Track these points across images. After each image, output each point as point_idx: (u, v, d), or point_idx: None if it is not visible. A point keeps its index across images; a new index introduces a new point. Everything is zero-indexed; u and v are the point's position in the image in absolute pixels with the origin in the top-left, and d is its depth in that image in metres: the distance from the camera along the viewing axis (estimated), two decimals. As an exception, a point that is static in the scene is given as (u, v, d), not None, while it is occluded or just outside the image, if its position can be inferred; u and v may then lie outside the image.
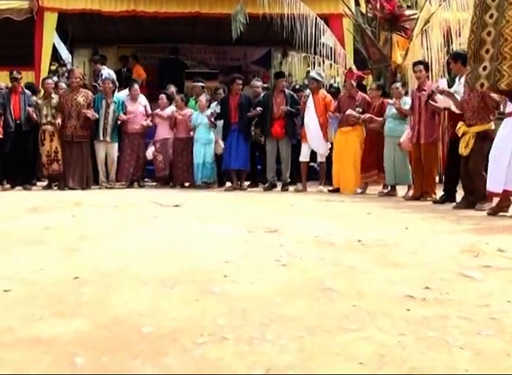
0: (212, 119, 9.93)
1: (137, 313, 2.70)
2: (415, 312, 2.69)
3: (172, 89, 11.21)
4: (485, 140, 6.63)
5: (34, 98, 10.09)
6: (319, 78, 9.69)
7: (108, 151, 10.15)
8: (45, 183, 10.19)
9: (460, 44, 10.55)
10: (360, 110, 9.22)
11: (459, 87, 7.32)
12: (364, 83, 11.13)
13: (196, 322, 2.58)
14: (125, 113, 10.23)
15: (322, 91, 9.77)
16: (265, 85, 12.79)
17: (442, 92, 7.32)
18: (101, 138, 10.03)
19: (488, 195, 6.44)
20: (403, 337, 2.37)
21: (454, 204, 7.08)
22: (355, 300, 2.89)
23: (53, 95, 9.97)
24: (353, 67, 11.68)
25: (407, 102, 8.64)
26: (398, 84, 9.05)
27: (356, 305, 2.81)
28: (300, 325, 2.53)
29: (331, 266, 3.65)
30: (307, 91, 9.77)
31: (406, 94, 8.92)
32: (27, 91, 10.04)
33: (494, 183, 6.20)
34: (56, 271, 3.54)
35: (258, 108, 9.60)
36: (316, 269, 3.58)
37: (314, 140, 9.50)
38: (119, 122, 10.15)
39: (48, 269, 3.57)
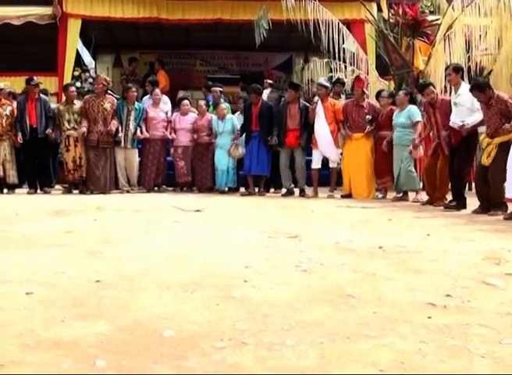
0: (237, 138, 10.01)
1: (158, 317, 2.72)
2: (436, 320, 2.67)
3: (181, 95, 11.23)
4: (506, 150, 6.69)
5: (54, 105, 10.19)
6: (328, 84, 9.71)
7: (127, 156, 10.16)
8: (61, 186, 10.25)
9: (485, 49, 10.53)
10: (370, 117, 9.26)
11: (458, 98, 7.47)
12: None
13: (216, 326, 2.59)
14: (145, 119, 10.31)
15: (331, 99, 9.79)
16: (270, 81, 12.79)
17: (466, 129, 7.38)
18: (122, 145, 10.09)
19: (507, 201, 6.51)
20: (424, 344, 2.36)
21: (473, 209, 7.14)
22: (376, 307, 2.88)
23: (75, 101, 10.03)
24: (375, 73, 11.67)
25: (412, 111, 8.70)
26: (401, 92, 9.09)
27: (376, 311, 2.80)
28: (321, 331, 2.53)
29: (351, 273, 3.64)
30: (316, 98, 9.76)
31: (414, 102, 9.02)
32: (44, 97, 10.08)
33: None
34: (78, 274, 3.57)
35: (273, 139, 9.65)
36: (336, 276, 3.57)
37: (324, 146, 9.50)
38: (138, 132, 10.18)
39: (70, 272, 3.61)
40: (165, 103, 11.07)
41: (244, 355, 2.25)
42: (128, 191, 10.04)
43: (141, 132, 10.18)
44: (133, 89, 10.37)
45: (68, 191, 9.91)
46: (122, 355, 2.24)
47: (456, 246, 4.58)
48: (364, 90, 9.48)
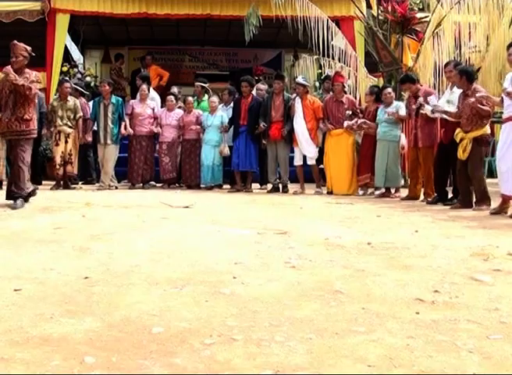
0: (226, 127, 9.99)
1: (147, 313, 2.72)
2: (424, 316, 2.69)
3: (175, 90, 11.24)
4: (481, 144, 7.02)
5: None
6: (305, 83, 9.77)
7: (105, 152, 10.07)
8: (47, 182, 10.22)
9: (473, 46, 10.58)
10: (350, 113, 9.33)
11: (451, 96, 7.66)
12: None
13: (205, 323, 2.59)
14: (131, 114, 10.29)
15: (310, 96, 9.85)
16: (256, 77, 12.82)
17: (434, 111, 7.72)
18: (102, 141, 10.03)
19: (503, 197, 6.61)
20: (412, 340, 2.37)
21: (452, 205, 7.35)
22: (364, 303, 2.90)
23: (69, 98, 10.02)
24: (364, 70, 11.68)
25: (400, 106, 8.84)
26: (389, 89, 9.20)
27: (365, 307, 2.82)
28: (309, 327, 2.54)
29: (340, 269, 3.66)
30: (294, 95, 9.81)
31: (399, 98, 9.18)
32: (39, 92, 10.08)
33: (505, 185, 6.48)
34: (67, 271, 3.56)
35: (262, 125, 9.63)
36: (326, 272, 3.58)
37: (302, 143, 9.59)
38: (122, 128, 10.13)
39: (58, 269, 3.60)
40: (152, 99, 11.00)
41: (233, 351, 2.25)
42: (116, 187, 9.98)
43: (125, 128, 10.13)
44: (105, 84, 10.27)
45: (56, 186, 9.87)
46: (112, 352, 2.24)
47: (445, 242, 4.60)
48: (345, 84, 9.54)
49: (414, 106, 8.16)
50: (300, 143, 9.58)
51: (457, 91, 7.48)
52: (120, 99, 10.37)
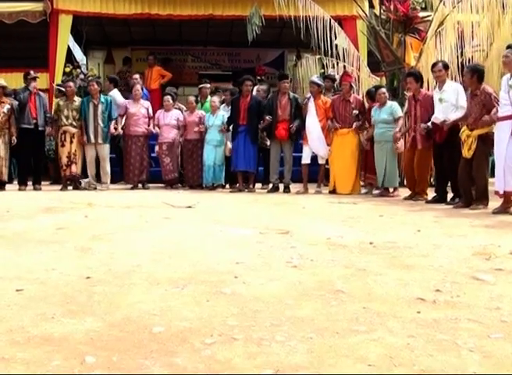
0: (225, 127, 9.99)
1: (148, 313, 2.72)
2: (425, 315, 2.68)
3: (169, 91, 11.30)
4: (486, 142, 6.94)
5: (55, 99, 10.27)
6: (320, 82, 9.77)
7: (98, 152, 10.07)
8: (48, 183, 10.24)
9: (476, 45, 10.57)
10: (357, 112, 9.37)
11: (443, 94, 7.72)
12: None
13: (206, 322, 2.59)
14: (125, 114, 10.28)
15: (323, 96, 9.86)
16: (258, 77, 12.86)
17: (444, 123, 7.64)
18: (92, 141, 9.98)
19: (499, 195, 6.66)
20: (413, 339, 2.37)
21: (454, 204, 7.37)
22: (365, 302, 2.90)
23: (75, 98, 10.05)
24: (367, 69, 11.68)
25: (395, 107, 8.93)
26: (383, 90, 9.27)
27: (366, 307, 2.81)
28: (310, 326, 2.53)
29: (342, 268, 3.65)
30: (308, 95, 9.83)
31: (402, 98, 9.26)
32: (41, 93, 10.18)
33: (498, 183, 6.58)
34: (69, 271, 3.57)
35: (267, 117, 9.61)
36: (327, 271, 3.58)
37: (315, 142, 9.59)
38: (111, 128, 10.13)
39: (60, 269, 3.60)
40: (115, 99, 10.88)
41: (234, 351, 2.25)
42: (95, 188, 9.95)
43: (115, 128, 10.14)
44: (93, 83, 10.24)
45: (64, 187, 9.85)
46: (112, 352, 2.24)
47: (447, 241, 4.60)
48: (352, 84, 9.58)
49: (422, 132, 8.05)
50: (312, 142, 9.58)
51: (448, 90, 7.56)
52: (109, 98, 10.34)
